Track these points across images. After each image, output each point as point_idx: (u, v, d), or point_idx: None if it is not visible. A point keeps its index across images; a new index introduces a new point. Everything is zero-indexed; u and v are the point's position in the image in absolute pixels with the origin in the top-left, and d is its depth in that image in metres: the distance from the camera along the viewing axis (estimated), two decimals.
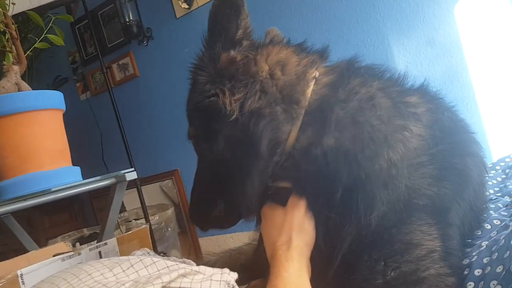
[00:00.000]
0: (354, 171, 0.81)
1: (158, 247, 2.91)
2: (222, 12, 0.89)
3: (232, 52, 0.91)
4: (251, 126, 0.85)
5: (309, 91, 0.88)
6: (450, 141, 0.85)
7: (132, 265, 0.74)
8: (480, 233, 0.92)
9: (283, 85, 0.89)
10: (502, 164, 1.31)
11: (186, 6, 3.09)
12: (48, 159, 1.32)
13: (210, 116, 0.90)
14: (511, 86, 2.17)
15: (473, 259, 0.81)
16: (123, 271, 0.73)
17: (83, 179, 1.43)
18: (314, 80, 0.90)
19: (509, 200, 1.05)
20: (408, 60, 2.39)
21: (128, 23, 3.30)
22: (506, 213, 0.97)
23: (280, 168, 0.87)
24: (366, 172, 0.80)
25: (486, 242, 0.84)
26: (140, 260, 0.75)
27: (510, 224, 0.83)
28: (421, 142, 0.83)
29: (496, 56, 2.19)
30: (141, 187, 2.85)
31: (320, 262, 0.86)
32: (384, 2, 2.44)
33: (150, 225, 2.75)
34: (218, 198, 0.95)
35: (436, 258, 0.78)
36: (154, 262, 0.75)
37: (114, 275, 0.72)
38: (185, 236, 3.38)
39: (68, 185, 1.34)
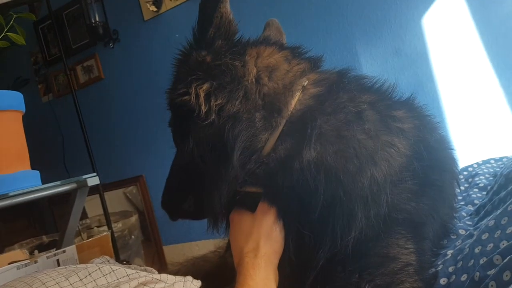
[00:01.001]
0: (334, 188, 0.77)
1: (121, 255, 2.84)
2: (202, 7, 0.87)
3: (203, 53, 0.88)
4: (226, 131, 0.82)
5: (294, 101, 0.85)
6: (431, 158, 0.83)
7: (90, 274, 0.71)
8: (445, 242, 0.93)
9: (267, 92, 0.86)
10: (465, 173, 1.34)
11: (155, 9, 3.05)
12: (5, 162, 1.27)
13: (183, 115, 0.89)
14: (475, 96, 2.24)
15: (439, 268, 0.82)
16: (80, 280, 0.69)
17: (43, 184, 1.38)
18: (301, 89, 0.86)
19: (472, 209, 1.07)
20: (375, 69, 2.43)
21: (94, 24, 3.22)
22: (470, 223, 0.99)
23: (251, 174, 0.84)
24: (345, 190, 0.77)
25: (451, 251, 0.85)
26: (99, 268, 0.72)
27: (474, 233, 0.84)
28: (405, 160, 0.81)
29: (461, 67, 2.26)
30: (104, 193, 2.78)
31: (292, 273, 0.84)
32: (353, 12, 2.48)
33: (112, 232, 2.68)
34: (188, 193, 0.94)
35: (411, 272, 0.77)
36: (113, 271, 0.72)
37: (70, 284, 0.68)
38: (149, 244, 3.31)
39: (26, 190, 1.29)
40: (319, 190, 0.77)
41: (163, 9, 3.05)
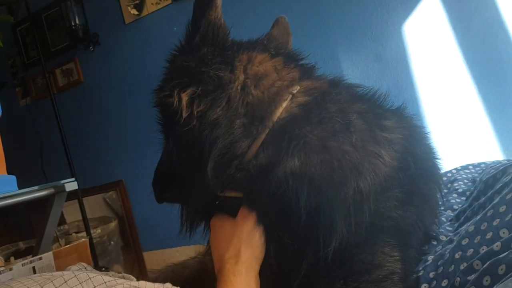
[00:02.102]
0: (316, 198, 0.76)
1: (100, 261, 2.80)
2: (193, 11, 0.86)
3: (189, 57, 0.87)
4: (203, 137, 0.81)
5: (279, 110, 0.83)
6: (418, 167, 0.83)
7: (65, 281, 0.69)
8: (426, 248, 0.93)
9: (251, 101, 0.84)
10: (444, 179, 1.34)
11: (136, 12, 3.02)
12: None
13: (168, 115, 0.88)
14: (454, 103, 2.27)
15: (420, 274, 0.82)
16: None
17: (20, 189, 1.35)
18: (290, 97, 0.84)
19: (451, 214, 1.08)
20: (356, 75, 2.45)
21: (74, 27, 3.18)
22: (450, 228, 0.99)
23: (232, 179, 0.82)
24: (329, 200, 0.76)
25: (432, 257, 0.85)
26: (75, 275, 0.70)
27: (455, 238, 0.85)
28: (392, 170, 0.79)
29: (440, 74, 2.29)
30: (83, 198, 2.73)
31: (274, 280, 0.83)
32: (334, 19, 2.50)
33: (91, 238, 2.64)
34: (171, 186, 0.93)
35: (395, 280, 0.76)
36: (90, 278, 0.70)
37: None
38: (129, 250, 3.27)
39: (2, 195, 1.27)
40: (301, 200, 0.76)
41: (144, 12, 3.02)
